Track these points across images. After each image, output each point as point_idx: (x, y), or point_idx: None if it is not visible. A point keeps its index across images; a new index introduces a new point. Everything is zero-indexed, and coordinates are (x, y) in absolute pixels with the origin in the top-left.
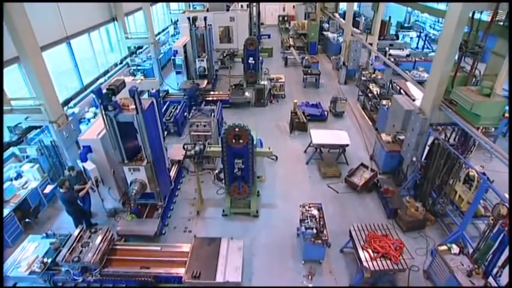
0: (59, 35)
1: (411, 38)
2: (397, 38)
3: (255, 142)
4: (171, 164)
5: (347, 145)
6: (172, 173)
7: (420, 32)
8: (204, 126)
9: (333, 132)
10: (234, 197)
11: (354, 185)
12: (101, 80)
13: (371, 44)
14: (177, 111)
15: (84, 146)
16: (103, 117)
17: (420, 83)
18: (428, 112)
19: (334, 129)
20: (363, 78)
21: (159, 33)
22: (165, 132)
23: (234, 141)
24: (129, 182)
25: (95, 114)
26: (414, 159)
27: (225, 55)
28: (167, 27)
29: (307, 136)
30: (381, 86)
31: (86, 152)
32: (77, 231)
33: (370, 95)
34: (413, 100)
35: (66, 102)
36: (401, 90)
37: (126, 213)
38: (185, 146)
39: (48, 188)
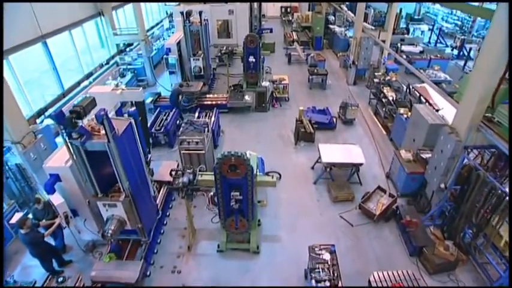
0: (32, 34)
1: (422, 31)
2: (408, 32)
3: (255, 171)
4: (159, 187)
5: (361, 164)
6: (160, 199)
7: (432, 25)
8: (197, 143)
9: (344, 148)
10: (230, 231)
11: (370, 214)
12: (85, 83)
13: (384, 41)
14: (169, 119)
15: (51, 175)
16: (67, 147)
17: (436, 83)
18: (464, 133)
19: (345, 142)
20: (375, 80)
21: (152, 28)
22: (149, 156)
23: (229, 171)
24: (104, 219)
25: None
26: (442, 185)
27: (223, 53)
28: (161, 21)
29: (315, 148)
30: (396, 89)
31: (52, 183)
32: (43, 280)
33: (384, 100)
34: (437, 110)
35: (41, 112)
36: (422, 97)
37: (106, 247)
38: (172, 173)
39: (16, 217)
